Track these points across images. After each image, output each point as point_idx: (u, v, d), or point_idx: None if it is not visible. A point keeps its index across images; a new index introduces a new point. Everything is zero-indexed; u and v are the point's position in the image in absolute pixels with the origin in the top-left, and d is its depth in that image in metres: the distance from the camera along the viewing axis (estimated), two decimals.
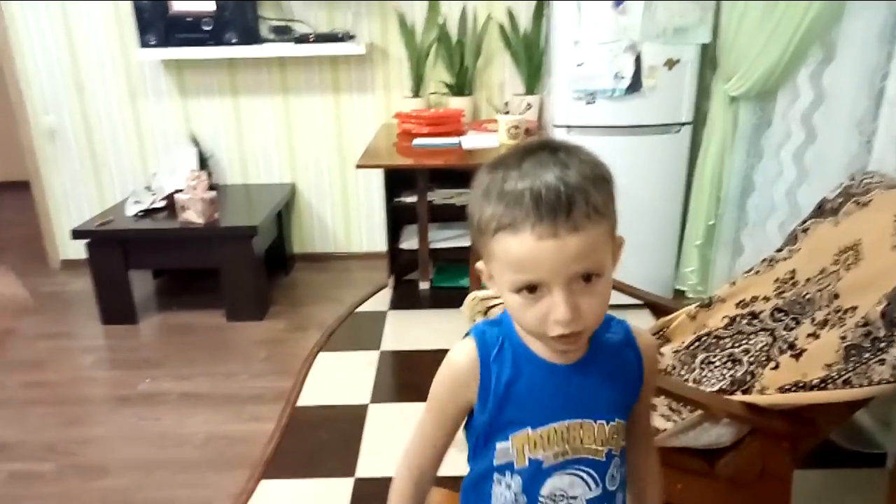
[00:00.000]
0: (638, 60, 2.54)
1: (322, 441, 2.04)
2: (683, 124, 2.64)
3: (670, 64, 2.55)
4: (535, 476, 0.82)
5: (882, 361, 1.20)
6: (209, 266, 2.81)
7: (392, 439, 2.02)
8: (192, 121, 3.28)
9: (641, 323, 2.32)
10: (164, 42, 2.99)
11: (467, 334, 0.85)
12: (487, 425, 0.83)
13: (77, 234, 2.75)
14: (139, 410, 2.25)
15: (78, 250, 3.05)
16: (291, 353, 2.56)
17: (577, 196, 0.69)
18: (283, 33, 3.08)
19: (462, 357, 0.82)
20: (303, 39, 3.02)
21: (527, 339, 0.82)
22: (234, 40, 2.99)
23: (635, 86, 2.56)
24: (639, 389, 0.86)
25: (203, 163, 3.21)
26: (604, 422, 0.82)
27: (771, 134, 2.30)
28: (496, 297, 1.49)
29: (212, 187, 2.95)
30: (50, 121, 3.27)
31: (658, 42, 2.52)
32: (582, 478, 0.82)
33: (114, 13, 3.11)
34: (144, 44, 3.00)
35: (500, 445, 0.82)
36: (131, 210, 2.90)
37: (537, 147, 0.74)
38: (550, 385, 0.81)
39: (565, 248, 0.69)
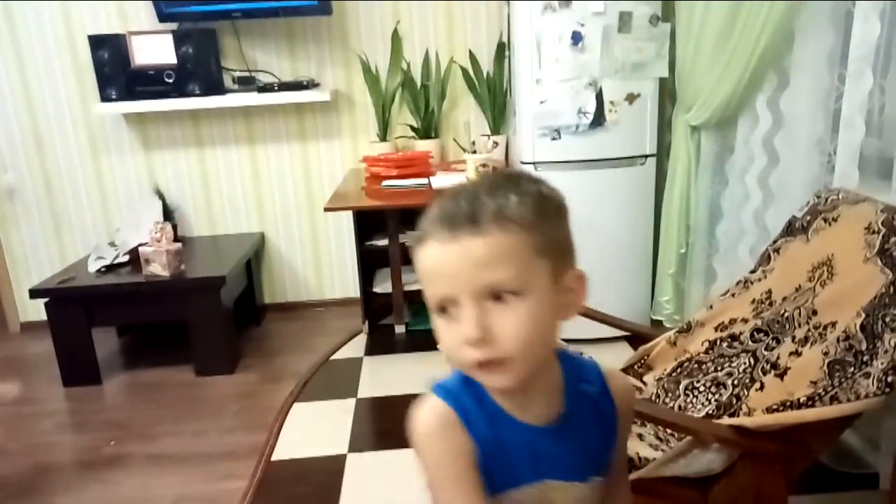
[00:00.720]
0: (599, 96, 2.59)
1: (299, 496, 1.94)
2: (648, 156, 2.68)
3: (631, 98, 2.61)
4: None
5: (867, 375, 1.19)
6: (176, 320, 2.72)
7: (372, 489, 1.94)
8: (157, 173, 3.23)
9: (620, 355, 2.31)
10: (126, 95, 2.96)
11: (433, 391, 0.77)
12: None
13: (35, 293, 2.64)
14: (103, 475, 2.12)
15: (39, 311, 2.94)
16: (265, 406, 2.46)
17: (487, 202, 0.67)
18: (246, 83, 3.08)
19: (436, 415, 0.74)
20: (267, 88, 3.02)
21: (496, 395, 0.75)
22: (197, 91, 2.98)
23: (598, 120, 2.61)
24: (615, 437, 0.82)
25: (168, 215, 3.15)
26: (580, 482, 0.78)
27: (734, 160, 2.34)
28: None
29: (178, 239, 2.89)
30: (8, 179, 3.19)
31: (617, 78, 2.57)
32: None
33: (73, 67, 3.08)
34: (105, 98, 2.97)
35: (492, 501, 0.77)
36: (94, 266, 2.81)
37: (486, 176, 0.75)
38: (525, 444, 0.75)
39: (466, 253, 0.65)
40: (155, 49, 2.94)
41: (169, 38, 2.93)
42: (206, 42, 2.97)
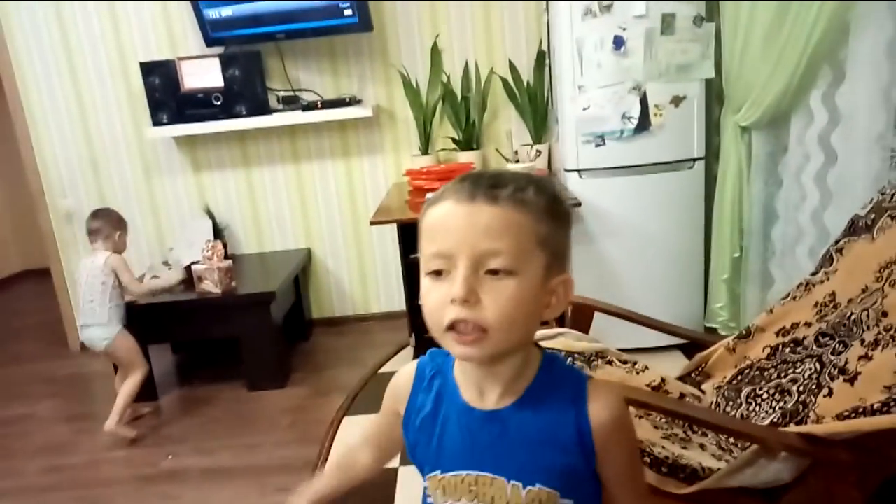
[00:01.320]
0: (644, 100, 2.54)
1: None
2: (696, 159, 2.62)
3: (676, 101, 2.56)
4: None
5: None
6: (228, 336, 2.77)
7: None
8: (206, 193, 3.32)
9: (674, 364, 2.24)
10: (176, 119, 3.06)
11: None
12: (412, 456, 0.81)
13: None
14: (162, 489, 2.16)
15: None
16: (315, 420, 2.48)
17: (509, 181, 0.70)
18: (291, 102, 3.14)
19: (400, 377, 0.85)
20: (311, 107, 3.07)
21: (459, 376, 0.79)
22: (243, 112, 3.05)
23: (644, 125, 2.56)
24: (584, 460, 0.75)
25: (218, 234, 3.22)
26: (519, 484, 0.74)
27: (788, 160, 2.27)
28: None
29: (228, 257, 2.95)
30: (67, 203, 3.32)
31: (662, 81, 2.53)
32: None
33: (126, 93, 3.20)
34: (157, 122, 3.07)
35: (425, 483, 0.80)
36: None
37: (516, 171, 0.78)
38: (462, 429, 0.77)
39: (478, 217, 0.68)
40: (203, 73, 3.03)
41: (216, 62, 3.01)
42: (251, 64, 3.04)
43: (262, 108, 3.09)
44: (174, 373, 3.09)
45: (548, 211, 0.71)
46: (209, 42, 3.04)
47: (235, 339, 2.76)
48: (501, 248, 0.68)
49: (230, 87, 3.03)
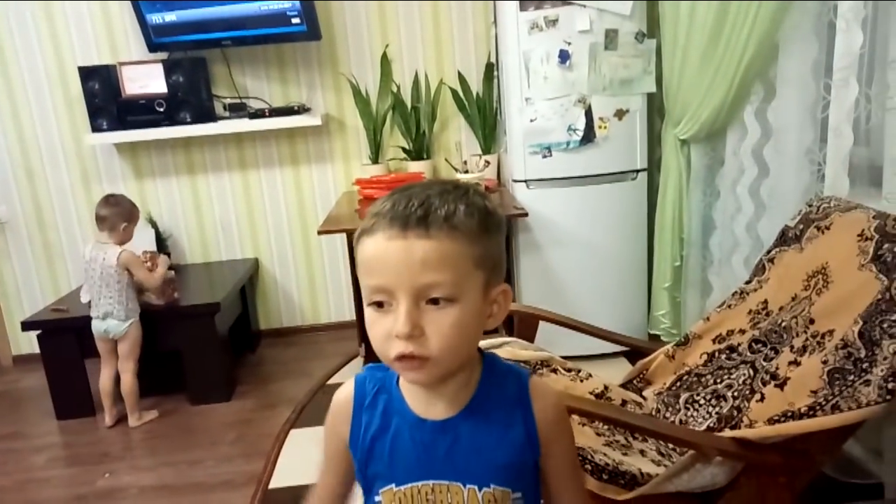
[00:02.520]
0: (589, 113, 2.60)
1: None
2: (639, 171, 2.70)
3: (620, 114, 2.63)
4: None
5: (867, 382, 1.18)
6: (171, 349, 2.69)
7: None
8: (149, 202, 3.23)
9: (618, 371, 2.29)
10: (117, 125, 2.97)
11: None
12: (360, 476, 0.81)
13: (27, 325, 2.63)
14: None
15: (31, 344, 2.92)
16: (261, 434, 2.43)
17: (438, 207, 0.70)
18: (237, 110, 3.09)
19: (338, 397, 0.83)
20: (258, 115, 3.03)
21: (404, 388, 0.79)
22: (188, 119, 2.99)
23: (589, 137, 2.62)
24: (532, 454, 0.79)
25: (161, 243, 3.13)
26: (475, 487, 0.76)
27: (724, 172, 2.35)
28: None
29: (171, 268, 2.87)
30: (0, 212, 3.18)
31: (606, 94, 2.59)
32: None
33: (63, 98, 3.09)
34: (96, 128, 2.97)
35: (376, 499, 0.80)
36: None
37: (435, 181, 0.77)
38: (415, 441, 0.78)
39: (412, 251, 0.68)
40: (145, 79, 2.95)
41: (159, 68, 2.94)
42: (196, 70, 2.98)
43: (208, 116, 3.03)
44: (113, 387, 2.97)
45: (480, 230, 0.71)
46: (152, 47, 2.97)
47: (178, 351, 2.68)
48: (440, 280, 0.68)
49: (174, 94, 2.96)
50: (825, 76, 1.86)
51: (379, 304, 0.71)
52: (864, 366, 1.20)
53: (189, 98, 2.97)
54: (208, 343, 2.68)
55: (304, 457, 2.26)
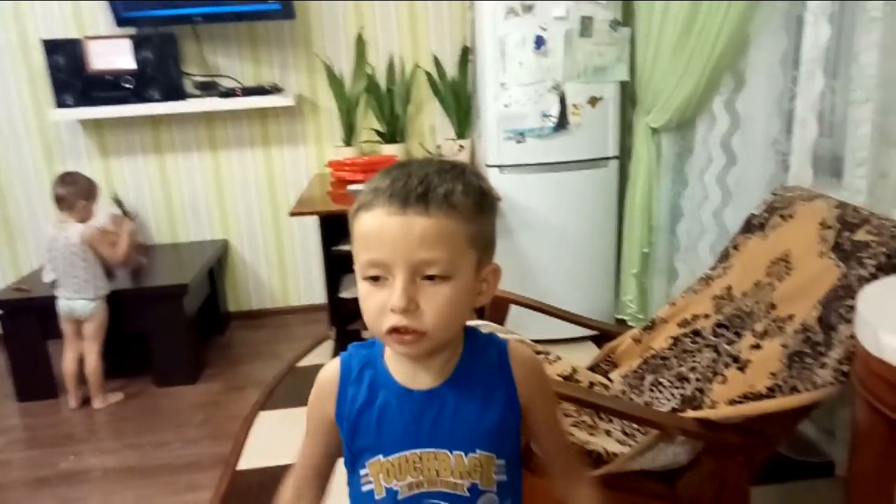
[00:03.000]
0: (563, 99, 2.62)
1: None
2: (610, 158, 2.72)
3: (593, 101, 2.65)
4: None
5: (823, 365, 1.22)
6: (137, 330, 2.65)
7: (343, 493, 1.91)
8: (115, 181, 3.16)
9: (586, 354, 2.33)
10: (83, 101, 2.89)
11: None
12: (347, 450, 0.82)
13: None
14: (61, 491, 2.05)
15: None
16: (229, 416, 2.42)
17: (436, 186, 0.71)
18: (208, 88, 3.03)
19: (324, 374, 0.84)
20: (229, 94, 2.98)
21: (390, 362, 0.81)
22: (156, 97, 2.92)
23: (562, 123, 2.64)
24: (515, 417, 0.82)
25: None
26: (461, 453, 0.78)
27: (693, 161, 2.39)
28: None
29: (141, 246, 2.83)
30: None
31: (580, 81, 2.61)
32: None
33: (26, 72, 2.99)
34: (61, 104, 2.89)
35: (362, 472, 0.81)
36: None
37: (432, 159, 0.76)
38: (402, 412, 0.79)
39: (411, 228, 0.69)
40: (113, 54, 2.88)
41: (127, 43, 2.87)
42: (165, 47, 2.92)
43: (177, 94, 2.96)
44: (77, 368, 2.92)
45: (476, 209, 0.73)
46: (120, 22, 2.89)
47: (144, 333, 2.64)
48: (437, 257, 0.70)
49: (143, 70, 2.89)
50: (793, 68, 1.90)
51: (374, 279, 0.72)
52: (822, 349, 1.24)
53: (158, 75, 2.91)
54: (175, 325, 2.65)
55: (273, 438, 2.26)
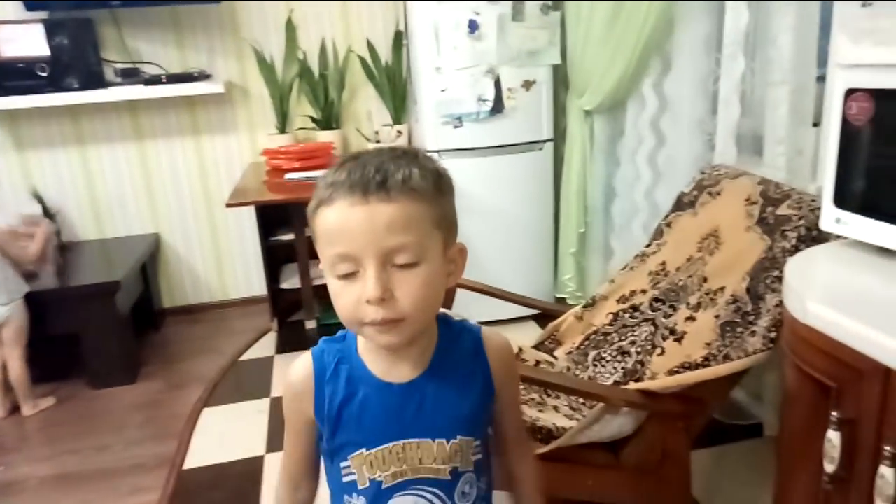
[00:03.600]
0: (498, 83, 2.65)
1: (216, 502, 1.88)
2: (545, 141, 2.78)
3: (527, 85, 2.69)
4: (377, 497, 0.80)
5: (753, 333, 1.30)
6: (66, 331, 2.54)
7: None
8: (34, 175, 2.99)
9: (529, 333, 2.38)
10: None
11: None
12: (327, 445, 0.82)
13: None
14: None
15: None
16: (172, 415, 2.36)
17: (394, 171, 0.71)
18: (131, 76, 2.89)
19: (297, 373, 0.82)
20: (154, 81, 2.86)
21: (365, 356, 0.81)
22: (75, 86, 2.77)
23: (498, 107, 2.67)
24: (489, 401, 0.85)
25: (50, 220, 2.92)
26: (444, 440, 0.80)
27: (625, 142, 2.48)
28: None
29: (63, 246, 2.69)
30: None
31: (514, 65, 2.64)
32: (426, 498, 0.80)
33: None
34: None
35: (343, 465, 0.81)
36: None
37: (383, 148, 0.76)
38: (384, 405, 0.79)
39: (375, 215, 0.69)
40: (24, 40, 2.71)
41: (39, 28, 2.70)
42: (81, 32, 2.77)
43: (98, 82, 2.82)
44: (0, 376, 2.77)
45: (436, 191, 0.73)
46: (30, 6, 2.71)
47: (75, 334, 2.53)
48: (406, 242, 0.70)
49: (58, 57, 2.73)
50: (716, 51, 1.99)
51: (345, 276, 0.71)
52: (751, 318, 1.33)
53: (75, 62, 2.76)
54: (108, 324, 2.54)
55: (219, 435, 2.22)
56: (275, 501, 0.90)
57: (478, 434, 0.84)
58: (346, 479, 0.81)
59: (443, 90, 2.62)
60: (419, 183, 0.71)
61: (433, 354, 0.81)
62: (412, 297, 0.71)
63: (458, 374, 0.82)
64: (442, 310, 0.82)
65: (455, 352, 0.82)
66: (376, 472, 0.79)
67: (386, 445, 0.79)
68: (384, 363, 0.80)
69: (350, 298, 0.72)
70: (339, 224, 0.70)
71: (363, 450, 0.79)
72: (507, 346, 0.87)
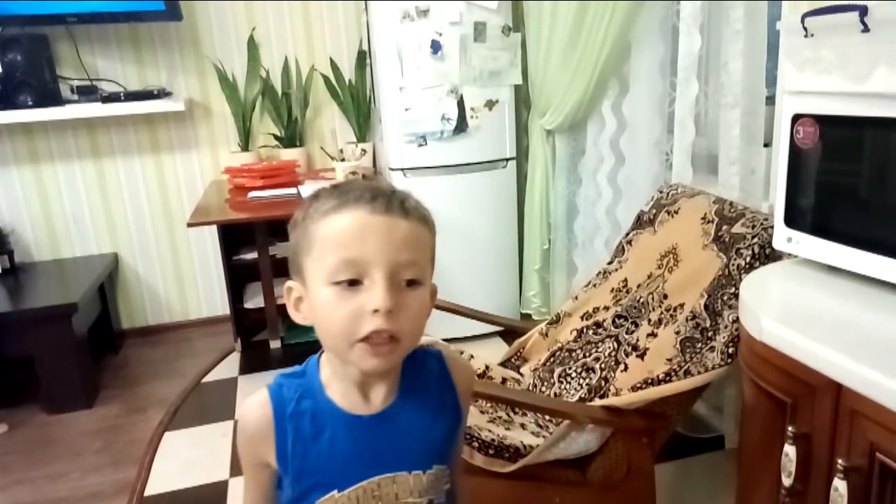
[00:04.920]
0: (461, 103, 2.68)
1: None
2: (508, 159, 2.82)
3: (490, 105, 2.73)
4: None
5: (712, 349, 1.34)
6: (19, 355, 2.46)
7: None
8: None
9: (494, 350, 2.40)
10: None
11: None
12: (291, 491, 0.76)
13: None
14: None
15: None
16: (132, 440, 2.30)
17: (407, 196, 0.75)
18: (88, 93, 2.84)
19: (252, 413, 0.77)
20: (112, 98, 2.81)
21: (330, 389, 0.77)
22: (29, 103, 2.71)
23: (461, 126, 2.70)
24: (458, 425, 0.83)
25: (2, 241, 2.83)
26: (420, 472, 0.77)
27: (586, 161, 2.53)
28: None
29: (14, 266, 2.61)
30: None
31: (476, 85, 2.68)
32: None
33: None
34: None
35: None
36: None
37: (371, 185, 0.75)
38: (354, 440, 0.76)
39: (395, 229, 0.70)
40: None
41: None
42: (36, 48, 2.71)
43: (53, 99, 2.76)
44: None
45: (432, 225, 0.77)
46: None
47: (29, 358, 2.45)
48: (415, 259, 0.71)
49: (11, 74, 2.67)
50: (671, 74, 2.06)
51: (349, 283, 0.69)
52: (710, 334, 1.37)
53: (29, 79, 2.69)
54: (64, 347, 2.47)
55: (182, 460, 2.17)
56: None
57: (448, 461, 0.81)
58: None
59: (407, 109, 2.64)
60: (426, 212, 0.75)
61: (400, 381, 0.79)
62: (412, 318, 0.71)
63: (427, 401, 0.80)
64: None
65: (422, 377, 0.81)
66: None
67: (360, 484, 0.75)
68: (353, 396, 0.76)
69: (348, 309, 0.69)
70: (356, 229, 0.69)
71: (334, 491, 0.75)
72: (469, 367, 0.89)
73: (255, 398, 0.78)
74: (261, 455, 0.77)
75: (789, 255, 1.20)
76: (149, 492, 2.00)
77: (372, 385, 0.78)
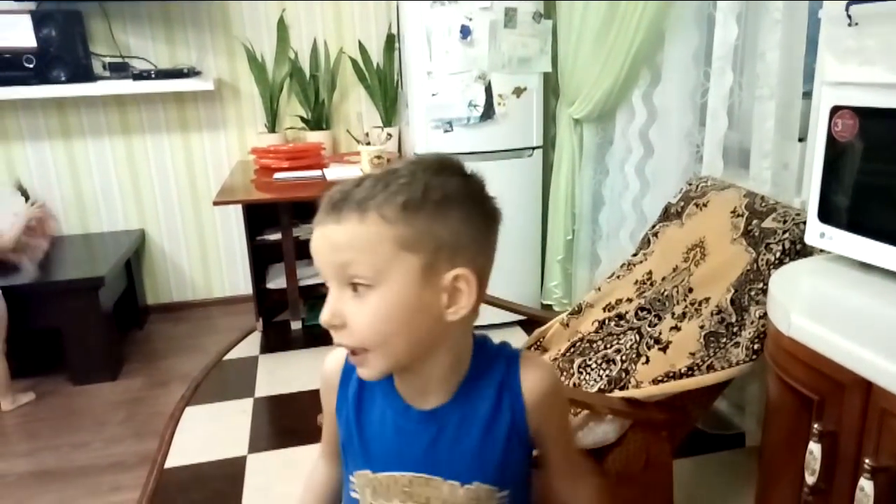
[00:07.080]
0: (488, 89, 2.66)
1: (197, 502, 1.87)
2: (535, 148, 2.80)
3: (518, 92, 2.70)
4: None
5: (737, 344, 1.32)
6: (47, 326, 2.51)
7: (276, 488, 1.90)
8: (18, 168, 2.95)
9: (514, 339, 2.39)
10: None
11: None
12: (342, 445, 0.78)
13: None
14: None
15: None
16: (153, 412, 2.34)
17: (356, 193, 0.66)
18: (119, 70, 2.87)
19: (328, 364, 0.81)
20: (143, 76, 2.84)
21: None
22: (62, 78, 2.75)
23: (488, 113, 2.68)
24: (522, 446, 0.75)
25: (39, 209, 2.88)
26: (457, 483, 0.73)
27: (614, 151, 2.50)
28: None
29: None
30: None
31: (505, 72, 2.66)
32: None
33: None
34: None
35: (350, 478, 0.77)
36: None
37: (400, 162, 0.71)
38: (398, 428, 0.74)
39: (326, 236, 0.67)
40: (10, 31, 2.67)
41: (27, 19, 2.67)
42: (70, 24, 2.74)
43: (86, 75, 2.79)
44: None
45: (406, 211, 0.65)
46: None
47: (57, 329, 2.50)
48: (350, 262, 0.65)
49: (45, 49, 2.71)
50: (705, 64, 2.01)
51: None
52: (735, 329, 1.35)
53: (63, 55, 2.73)
54: (90, 319, 2.52)
55: (202, 434, 2.20)
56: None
57: (504, 483, 0.74)
58: (353, 495, 0.77)
59: (434, 94, 2.63)
60: (379, 202, 0.65)
61: (460, 384, 0.73)
62: (363, 326, 0.66)
63: (482, 410, 0.73)
64: (481, 332, 0.75)
65: (484, 383, 0.74)
66: (379, 499, 0.74)
67: (392, 473, 0.73)
68: (411, 384, 0.74)
69: None
70: (313, 244, 0.69)
71: (368, 471, 0.74)
72: (547, 376, 0.77)
73: (335, 351, 0.78)
74: (328, 403, 0.80)
75: (821, 251, 1.17)
76: (169, 464, 2.04)
77: (419, 381, 0.73)
